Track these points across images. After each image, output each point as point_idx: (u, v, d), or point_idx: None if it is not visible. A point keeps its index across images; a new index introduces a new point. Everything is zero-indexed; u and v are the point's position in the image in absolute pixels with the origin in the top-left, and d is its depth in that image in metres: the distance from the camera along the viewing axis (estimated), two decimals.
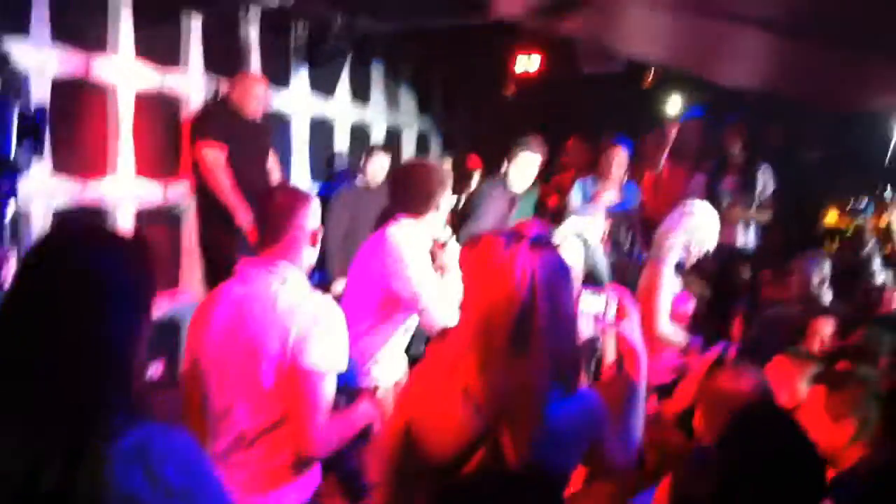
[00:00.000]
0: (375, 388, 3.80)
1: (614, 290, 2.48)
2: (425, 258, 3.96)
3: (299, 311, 2.78)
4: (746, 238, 7.19)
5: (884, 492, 2.28)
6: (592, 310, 2.40)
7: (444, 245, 4.12)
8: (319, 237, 3.02)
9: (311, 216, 2.98)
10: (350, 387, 2.96)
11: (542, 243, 2.22)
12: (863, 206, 5.95)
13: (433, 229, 4.08)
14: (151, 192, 5.92)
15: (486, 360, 2.13)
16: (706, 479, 2.12)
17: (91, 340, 1.60)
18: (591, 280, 4.30)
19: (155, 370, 5.52)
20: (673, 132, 7.43)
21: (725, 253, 6.86)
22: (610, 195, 6.60)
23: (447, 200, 4.11)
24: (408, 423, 2.25)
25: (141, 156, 5.78)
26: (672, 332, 4.65)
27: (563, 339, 2.22)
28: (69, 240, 1.71)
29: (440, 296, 3.84)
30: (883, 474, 2.34)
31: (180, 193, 6.14)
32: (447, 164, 7.78)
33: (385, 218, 4.17)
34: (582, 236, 4.45)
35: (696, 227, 4.72)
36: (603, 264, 4.65)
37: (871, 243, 5.88)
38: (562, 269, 2.25)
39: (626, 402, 2.41)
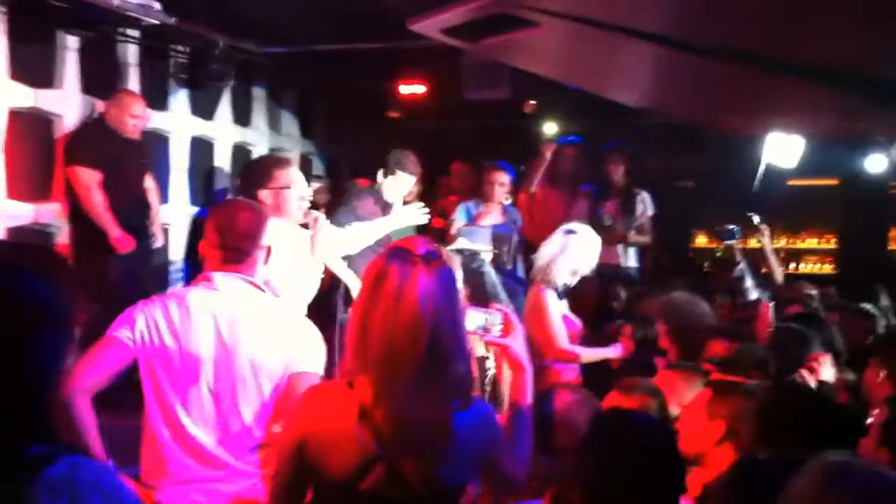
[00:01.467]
0: None
1: (499, 307, 2.51)
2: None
3: (290, 325, 2.92)
4: (627, 259, 7.44)
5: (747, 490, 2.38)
6: (475, 325, 2.42)
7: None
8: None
9: (267, 235, 3.00)
10: None
11: (435, 261, 2.20)
12: (733, 230, 6.31)
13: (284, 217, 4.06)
14: (22, 212, 5.72)
15: (391, 389, 2.10)
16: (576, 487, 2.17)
17: (20, 367, 1.55)
18: (484, 298, 4.34)
19: None
20: (548, 153, 7.60)
21: (606, 274, 7.08)
22: (493, 217, 6.70)
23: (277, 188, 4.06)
24: (301, 438, 2.20)
25: (12, 176, 5.58)
26: (585, 350, 4.80)
27: (463, 358, 2.22)
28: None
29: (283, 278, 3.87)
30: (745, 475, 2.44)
31: (52, 213, 5.94)
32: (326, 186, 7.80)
33: None
34: (475, 256, 4.50)
35: (580, 251, 4.84)
36: (497, 283, 4.71)
37: (741, 264, 6.17)
38: (455, 286, 2.25)
39: (513, 418, 2.44)
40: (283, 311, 2.98)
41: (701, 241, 10.52)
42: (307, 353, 2.90)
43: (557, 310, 4.80)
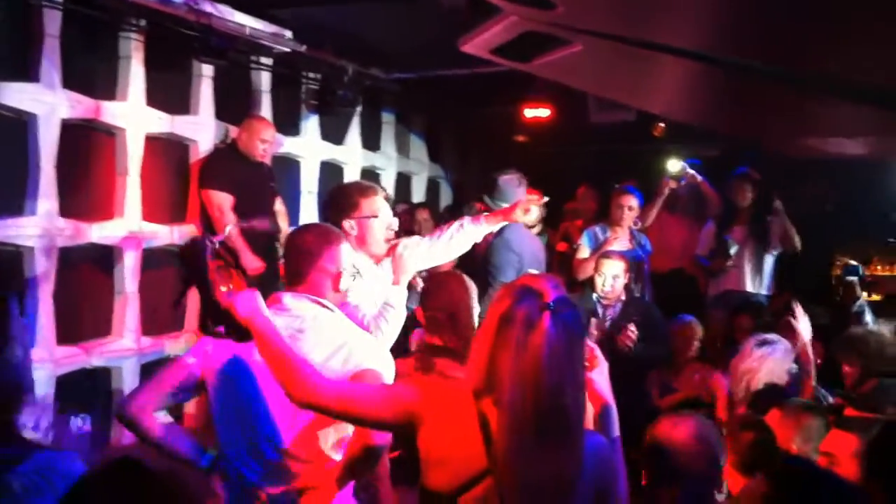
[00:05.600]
0: None
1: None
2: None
3: (352, 334, 2.98)
4: (759, 286, 7.15)
5: None
6: None
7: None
8: (344, 282, 3.01)
9: (336, 258, 2.98)
10: None
11: (565, 311, 2.12)
12: (856, 267, 6.22)
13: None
14: (158, 234, 5.93)
15: (519, 433, 2.07)
16: None
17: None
18: None
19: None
20: (666, 189, 7.37)
21: (734, 302, 6.85)
22: (620, 243, 6.57)
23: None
24: (414, 414, 2.23)
25: (149, 198, 5.82)
26: None
27: (582, 402, 2.20)
28: None
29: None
30: None
31: (187, 235, 6.10)
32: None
33: None
34: None
35: (776, 365, 4.42)
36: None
37: (860, 299, 6.09)
38: (579, 329, 2.21)
39: None
40: (346, 324, 2.98)
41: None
42: (369, 354, 2.90)
43: None
